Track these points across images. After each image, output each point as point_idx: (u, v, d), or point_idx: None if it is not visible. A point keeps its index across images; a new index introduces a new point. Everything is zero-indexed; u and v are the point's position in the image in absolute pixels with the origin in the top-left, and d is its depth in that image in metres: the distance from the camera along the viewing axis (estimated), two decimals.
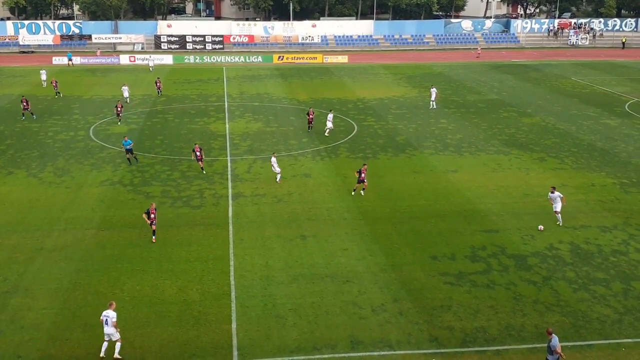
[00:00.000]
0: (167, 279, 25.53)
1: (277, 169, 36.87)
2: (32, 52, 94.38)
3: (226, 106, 58.57)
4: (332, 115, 48.46)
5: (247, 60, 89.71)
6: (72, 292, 24.40)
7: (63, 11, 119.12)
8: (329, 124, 47.40)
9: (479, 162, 41.28)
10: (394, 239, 29.46)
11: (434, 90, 58.16)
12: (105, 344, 20.54)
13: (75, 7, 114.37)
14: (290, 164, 40.68)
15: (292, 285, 25.13)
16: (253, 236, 29.67)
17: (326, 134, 47.11)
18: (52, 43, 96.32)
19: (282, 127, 50.54)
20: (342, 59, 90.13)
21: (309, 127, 48.99)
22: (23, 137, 46.47)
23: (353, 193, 34.82)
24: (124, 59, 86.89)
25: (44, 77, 66.84)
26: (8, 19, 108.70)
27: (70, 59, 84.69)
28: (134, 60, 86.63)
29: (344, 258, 27.50)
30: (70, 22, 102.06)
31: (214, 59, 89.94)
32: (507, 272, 26.22)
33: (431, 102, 57.80)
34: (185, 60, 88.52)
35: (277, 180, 36.79)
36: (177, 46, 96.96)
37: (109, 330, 20.49)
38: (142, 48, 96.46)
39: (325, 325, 22.32)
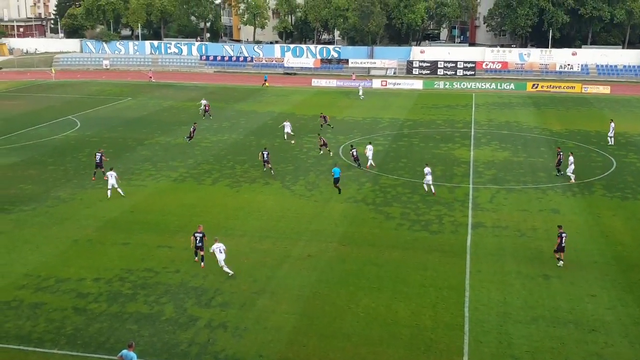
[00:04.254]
0: (402, 301, 25.59)
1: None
2: (295, 73, 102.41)
3: (472, 133, 57.63)
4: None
5: (499, 87, 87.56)
6: (312, 301, 25.61)
7: (325, 36, 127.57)
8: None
9: None
10: None
11: (612, 125, 52.53)
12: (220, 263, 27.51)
13: (336, 33, 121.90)
14: (537, 198, 38.55)
15: (530, 326, 23.60)
16: (491, 269, 28.53)
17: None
18: (312, 66, 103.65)
19: (530, 158, 48.23)
20: (604, 89, 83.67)
21: (557, 169, 43.38)
22: (280, 152, 50.36)
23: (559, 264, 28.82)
24: (376, 83, 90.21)
25: (204, 102, 65.42)
26: (276, 42, 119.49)
27: (265, 80, 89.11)
28: (386, 85, 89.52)
29: (590, 304, 25.15)
30: (330, 47, 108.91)
31: (464, 85, 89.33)
32: None
33: (609, 138, 52.28)
34: (435, 86, 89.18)
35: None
36: (428, 72, 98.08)
37: (222, 257, 27.49)
38: (394, 73, 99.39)
39: None
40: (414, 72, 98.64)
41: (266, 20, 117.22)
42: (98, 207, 36.92)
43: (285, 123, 55.29)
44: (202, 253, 28.75)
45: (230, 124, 61.31)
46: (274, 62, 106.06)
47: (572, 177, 41.57)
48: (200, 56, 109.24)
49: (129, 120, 63.13)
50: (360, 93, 78.55)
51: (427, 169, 39.29)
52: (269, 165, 43.61)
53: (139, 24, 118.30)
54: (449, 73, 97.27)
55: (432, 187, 38.92)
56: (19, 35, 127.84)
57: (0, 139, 54.23)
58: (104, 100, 74.49)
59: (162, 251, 30.49)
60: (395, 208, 36.77)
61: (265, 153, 44.03)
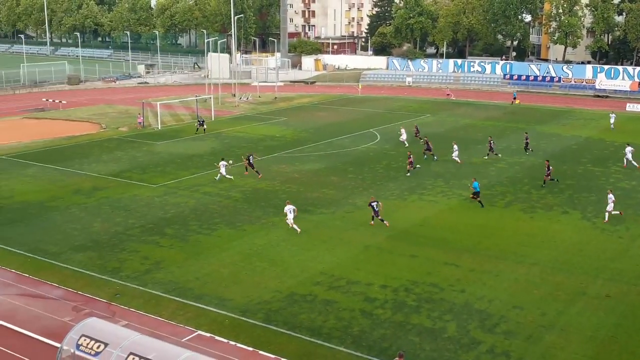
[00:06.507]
0: None
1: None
2: (607, 96, 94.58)
3: None
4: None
5: None
6: (608, 345, 23.13)
7: None
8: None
9: None
10: None
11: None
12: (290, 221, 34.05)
13: None
14: None
15: None
16: None
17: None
18: (628, 89, 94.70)
19: None
20: None
21: None
22: (583, 180, 46.70)
23: None
24: None
25: (403, 132, 60.21)
26: (588, 62, 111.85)
27: (515, 98, 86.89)
28: None
29: None
30: None
31: None
32: None
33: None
34: None
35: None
36: None
37: (291, 216, 34.14)
38: None
39: None
40: None
41: (579, 39, 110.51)
42: (391, 217, 38.04)
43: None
44: (379, 218, 35.22)
45: (530, 146, 58.70)
46: (583, 83, 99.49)
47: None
48: (504, 75, 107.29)
49: (426, 136, 64.25)
50: (612, 121, 68.31)
51: (610, 195, 37.23)
52: (411, 167, 48.17)
53: (445, 42, 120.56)
54: None
55: (612, 213, 36.93)
56: (332, 52, 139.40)
57: (311, 146, 59.51)
58: (404, 116, 77.10)
59: (448, 268, 30.29)
60: None
61: (411, 156, 48.63)
